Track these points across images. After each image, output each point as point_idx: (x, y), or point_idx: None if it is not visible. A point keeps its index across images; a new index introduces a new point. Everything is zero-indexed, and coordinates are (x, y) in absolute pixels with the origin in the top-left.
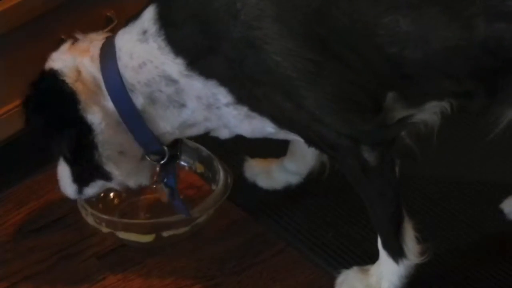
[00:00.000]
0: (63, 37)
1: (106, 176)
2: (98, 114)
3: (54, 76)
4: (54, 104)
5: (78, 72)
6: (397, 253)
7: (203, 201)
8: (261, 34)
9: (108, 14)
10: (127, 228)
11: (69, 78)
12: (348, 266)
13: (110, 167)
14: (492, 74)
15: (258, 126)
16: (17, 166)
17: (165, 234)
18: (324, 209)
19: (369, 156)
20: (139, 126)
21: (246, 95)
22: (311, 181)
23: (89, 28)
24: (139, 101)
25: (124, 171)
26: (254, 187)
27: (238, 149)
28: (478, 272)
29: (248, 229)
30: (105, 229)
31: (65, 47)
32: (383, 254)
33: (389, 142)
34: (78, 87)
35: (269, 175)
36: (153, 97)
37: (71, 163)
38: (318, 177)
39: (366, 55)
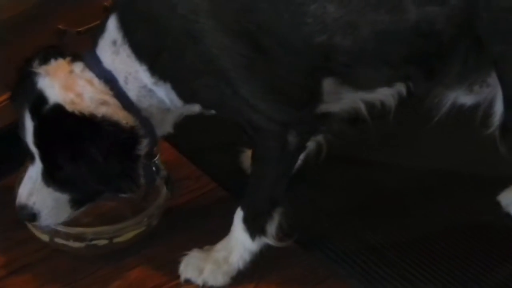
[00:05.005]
0: (60, 26)
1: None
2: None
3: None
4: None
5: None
6: (257, 230)
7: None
8: (198, 27)
9: (106, 4)
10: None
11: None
12: (343, 255)
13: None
14: (427, 58)
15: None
16: (16, 154)
17: (99, 243)
18: (321, 199)
19: (293, 139)
20: (151, 134)
21: (186, 91)
22: (307, 170)
23: (87, 18)
24: (146, 113)
25: None
26: None
27: (235, 140)
28: (475, 264)
29: None
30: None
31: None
32: (239, 228)
33: (318, 128)
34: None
35: None
36: (150, 112)
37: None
38: (315, 160)
39: (295, 47)
